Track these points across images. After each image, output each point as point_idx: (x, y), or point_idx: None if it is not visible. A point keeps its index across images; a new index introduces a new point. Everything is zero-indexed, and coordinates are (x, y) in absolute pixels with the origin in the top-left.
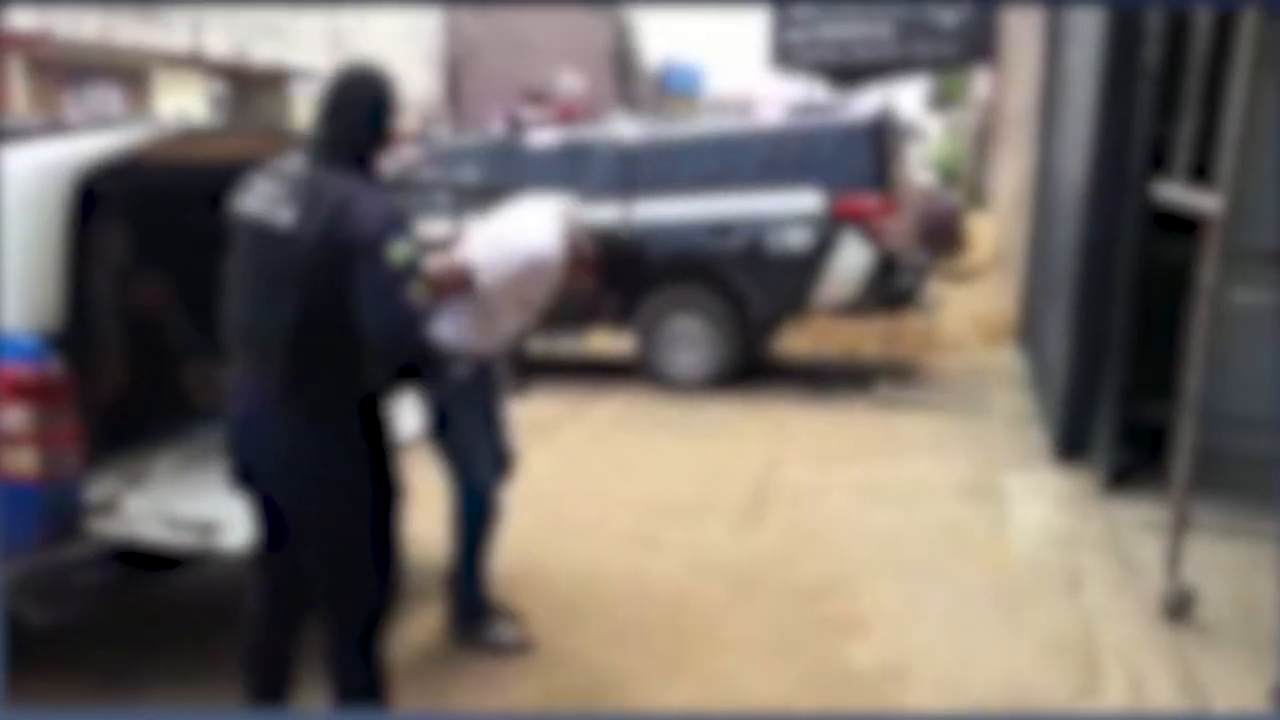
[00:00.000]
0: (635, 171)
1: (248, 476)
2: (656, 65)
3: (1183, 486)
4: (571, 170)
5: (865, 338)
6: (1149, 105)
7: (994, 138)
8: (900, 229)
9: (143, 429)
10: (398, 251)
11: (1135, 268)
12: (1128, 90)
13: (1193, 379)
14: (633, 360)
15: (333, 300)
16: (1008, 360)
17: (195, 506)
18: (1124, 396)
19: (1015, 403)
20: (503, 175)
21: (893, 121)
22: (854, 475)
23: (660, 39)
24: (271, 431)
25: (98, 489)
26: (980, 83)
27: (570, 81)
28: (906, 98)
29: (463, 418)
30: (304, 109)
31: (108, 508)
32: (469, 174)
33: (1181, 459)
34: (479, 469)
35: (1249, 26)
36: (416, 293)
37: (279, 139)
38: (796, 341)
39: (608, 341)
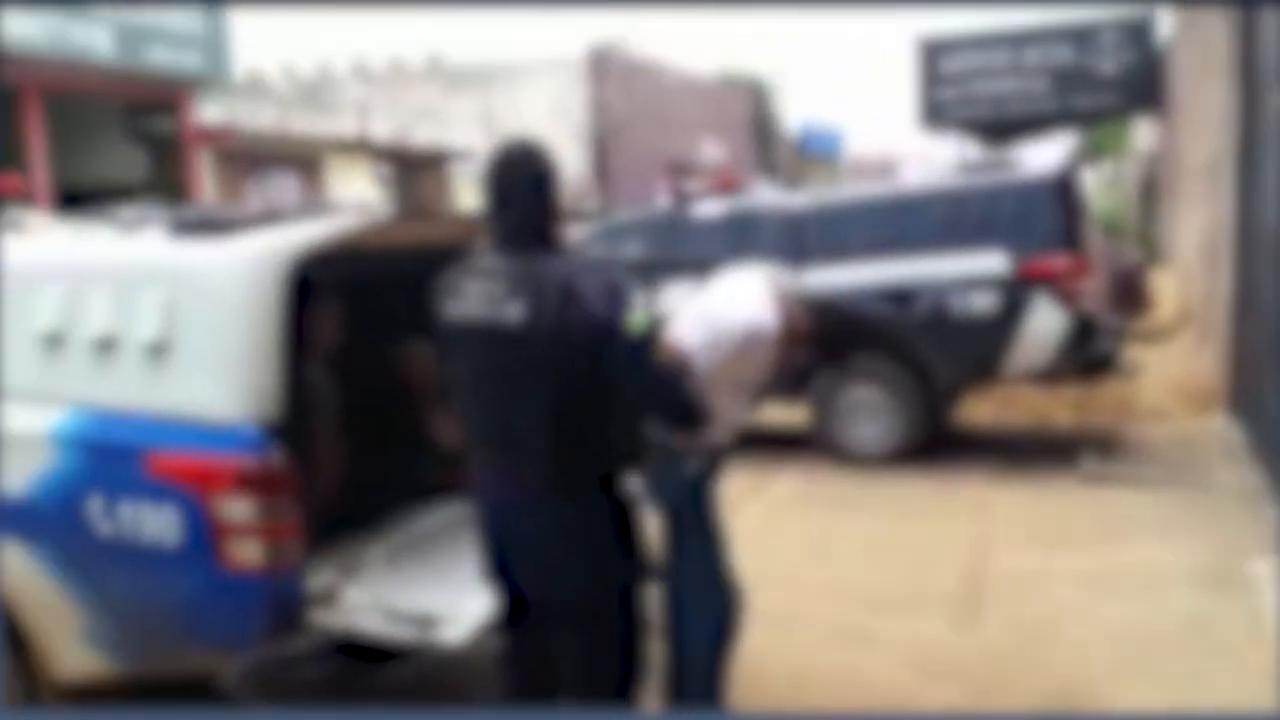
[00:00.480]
0: (804, 239)
1: (502, 568)
2: (795, 130)
3: None
4: (737, 241)
5: (1057, 406)
6: None
7: (1167, 189)
8: (1094, 289)
9: (351, 516)
10: (635, 322)
11: None
12: None
13: None
14: (808, 432)
15: (581, 387)
16: (1218, 429)
17: (413, 599)
18: None
19: (1240, 477)
20: (667, 249)
21: (1078, 175)
22: (1075, 561)
23: (799, 103)
24: (536, 524)
25: (317, 580)
26: (1143, 132)
27: (711, 151)
28: (1053, 152)
29: (702, 517)
30: (462, 187)
31: (327, 599)
32: (631, 249)
33: None
34: (721, 578)
35: None
36: (663, 354)
37: (475, 224)
38: (979, 410)
39: (781, 412)
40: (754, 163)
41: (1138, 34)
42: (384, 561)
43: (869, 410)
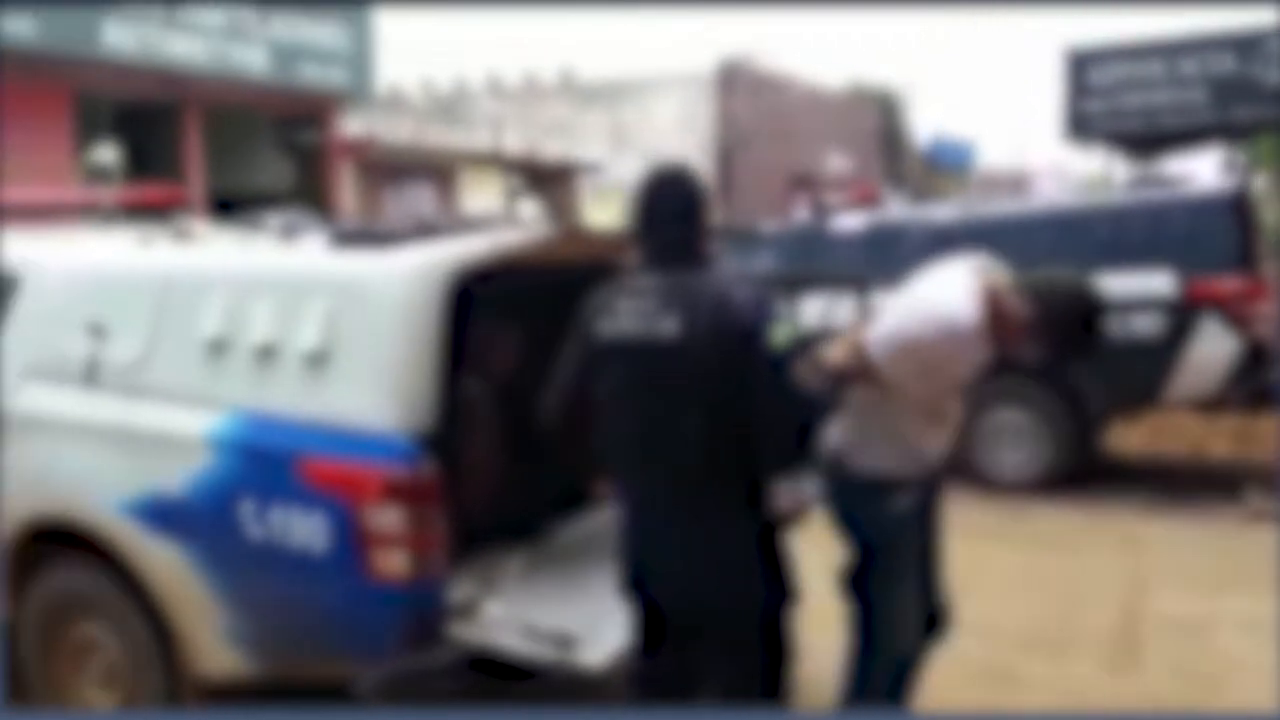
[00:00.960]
0: (950, 255)
1: (642, 584)
2: (924, 142)
3: None
4: (880, 255)
5: (1215, 435)
6: None
7: None
8: (1269, 313)
9: (499, 527)
10: (779, 334)
11: None
12: None
13: None
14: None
15: (733, 400)
16: None
17: (554, 616)
18: None
19: None
20: (805, 263)
21: (1250, 191)
22: (1241, 605)
23: (930, 114)
24: (683, 539)
25: (457, 592)
26: None
27: (837, 163)
28: (1205, 166)
29: (893, 564)
30: (589, 199)
31: (467, 613)
32: (765, 262)
33: None
34: (902, 632)
35: None
36: (803, 372)
37: (626, 242)
38: (1129, 438)
39: None
40: (881, 175)
41: None
42: (523, 575)
43: (1014, 435)
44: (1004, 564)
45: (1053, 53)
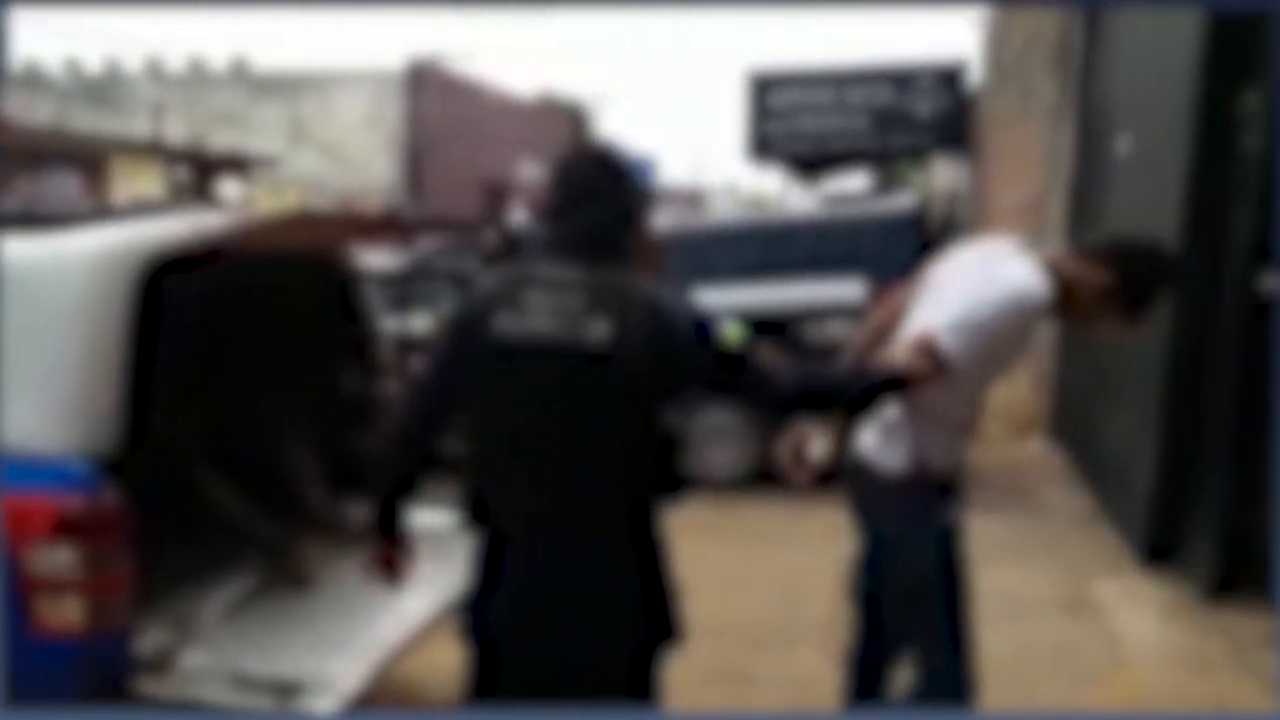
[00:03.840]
0: (667, 261)
1: (492, 626)
2: None
3: None
4: None
5: None
6: (1254, 197)
7: (975, 227)
8: None
9: (200, 562)
10: (730, 335)
11: (1238, 365)
12: (1218, 180)
13: None
14: None
15: (653, 418)
16: (1039, 453)
17: (270, 662)
18: (1225, 500)
19: (1071, 501)
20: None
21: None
22: None
23: (615, 129)
24: (573, 572)
25: (147, 642)
26: (940, 172)
27: (530, 171)
28: (852, 185)
29: (941, 578)
30: (265, 194)
31: (160, 665)
32: (469, 266)
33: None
34: (951, 653)
35: None
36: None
37: (359, 226)
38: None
39: None
40: None
41: (951, 81)
42: (231, 616)
43: (722, 434)
44: (722, 560)
45: (730, 76)
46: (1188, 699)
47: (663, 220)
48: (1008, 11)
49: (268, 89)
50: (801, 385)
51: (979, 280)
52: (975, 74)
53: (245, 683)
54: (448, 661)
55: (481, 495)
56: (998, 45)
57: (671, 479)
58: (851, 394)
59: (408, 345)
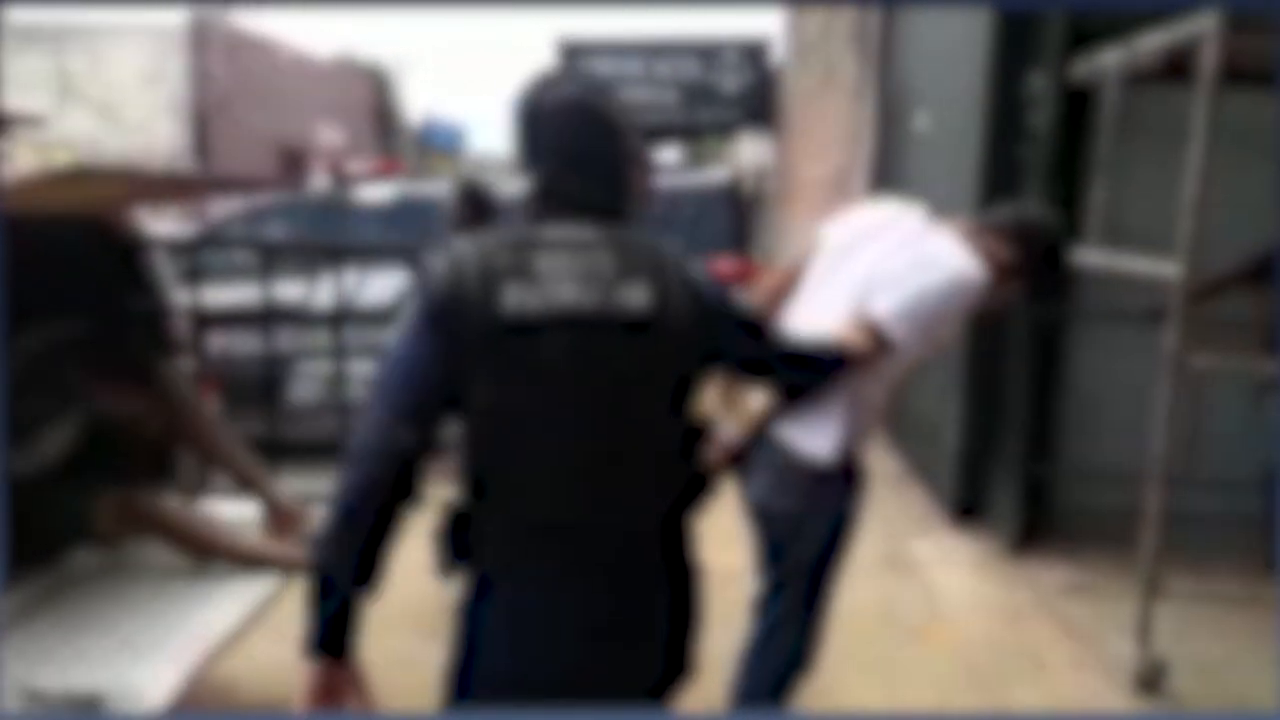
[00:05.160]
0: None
1: (502, 674)
2: (417, 121)
3: (1152, 554)
4: (409, 227)
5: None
6: (1043, 170)
7: (780, 201)
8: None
9: None
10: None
11: (1034, 332)
12: (1009, 155)
13: (1160, 445)
14: None
15: (692, 400)
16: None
17: (68, 673)
18: (1024, 458)
19: (884, 464)
20: (325, 233)
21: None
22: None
23: (420, 94)
24: (614, 614)
25: None
26: (746, 147)
27: (330, 135)
28: (663, 159)
29: (825, 559)
30: (29, 156)
31: None
32: (277, 231)
33: (1150, 526)
34: (802, 626)
35: (1202, 92)
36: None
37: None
38: None
39: None
40: (375, 151)
41: (755, 56)
42: (21, 622)
43: None
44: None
45: (544, 42)
46: (1001, 646)
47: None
48: None
49: (28, 41)
50: (798, 359)
51: (915, 261)
52: (779, 51)
53: (38, 697)
54: (265, 658)
55: (480, 519)
56: (798, 23)
57: (701, 476)
58: (820, 371)
59: (204, 320)
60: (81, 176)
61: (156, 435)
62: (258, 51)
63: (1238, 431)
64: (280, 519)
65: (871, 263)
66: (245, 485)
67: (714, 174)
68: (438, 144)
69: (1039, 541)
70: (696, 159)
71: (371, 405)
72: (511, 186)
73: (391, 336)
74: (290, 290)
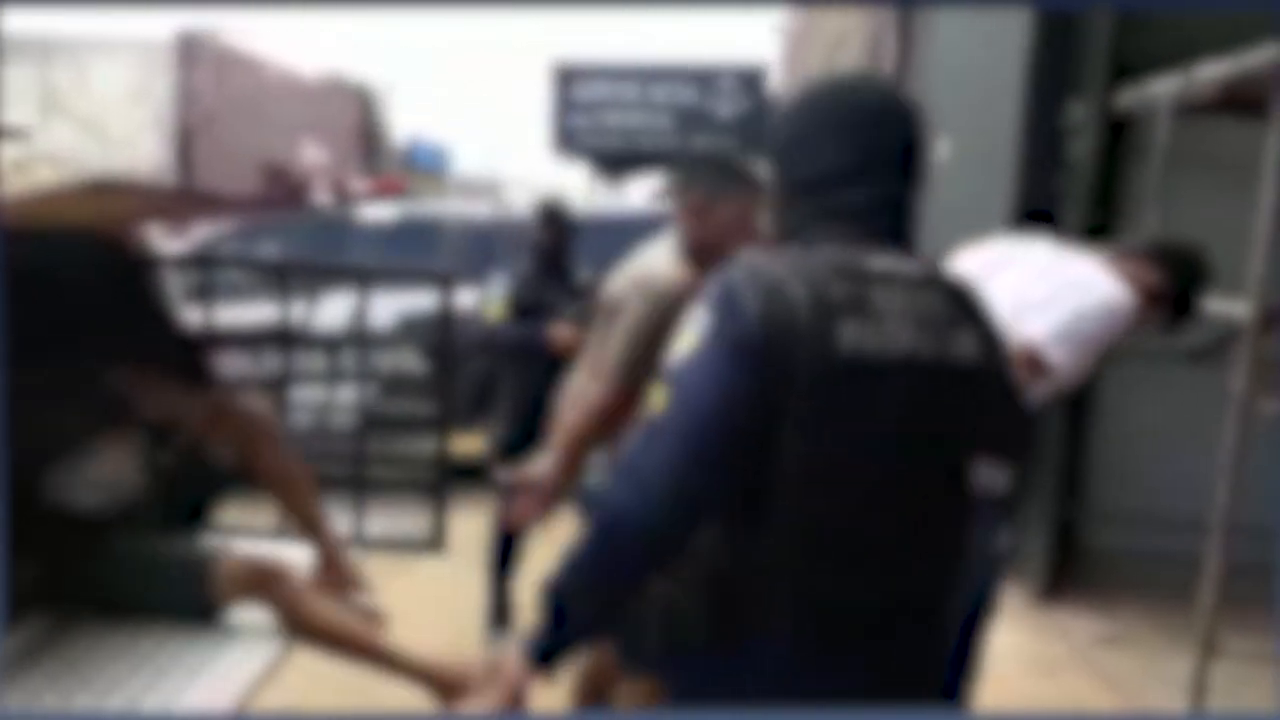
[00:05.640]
0: (491, 252)
1: None
2: (403, 142)
3: (1209, 611)
4: (411, 248)
5: None
6: (1082, 200)
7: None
8: None
9: None
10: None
11: None
12: (1046, 184)
13: (1224, 493)
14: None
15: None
16: None
17: None
18: (1055, 500)
19: None
20: (323, 253)
21: None
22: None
23: (407, 116)
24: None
25: None
26: None
27: (314, 154)
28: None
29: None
30: (10, 172)
31: None
32: (269, 250)
33: (1209, 581)
34: None
35: (1276, 125)
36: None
37: (176, 199)
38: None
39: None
40: (359, 171)
41: (752, 83)
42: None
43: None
44: None
45: (532, 69)
46: (1042, 701)
47: (485, 209)
48: (811, 15)
49: (15, 52)
50: None
51: (1066, 283)
52: (776, 78)
53: None
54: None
55: (766, 580)
56: (800, 50)
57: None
58: None
59: (212, 341)
60: (105, 190)
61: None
62: (245, 68)
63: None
64: (335, 574)
65: (1013, 290)
66: (307, 531)
67: None
68: (422, 165)
69: (1068, 588)
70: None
71: (653, 445)
72: (585, 206)
73: (678, 369)
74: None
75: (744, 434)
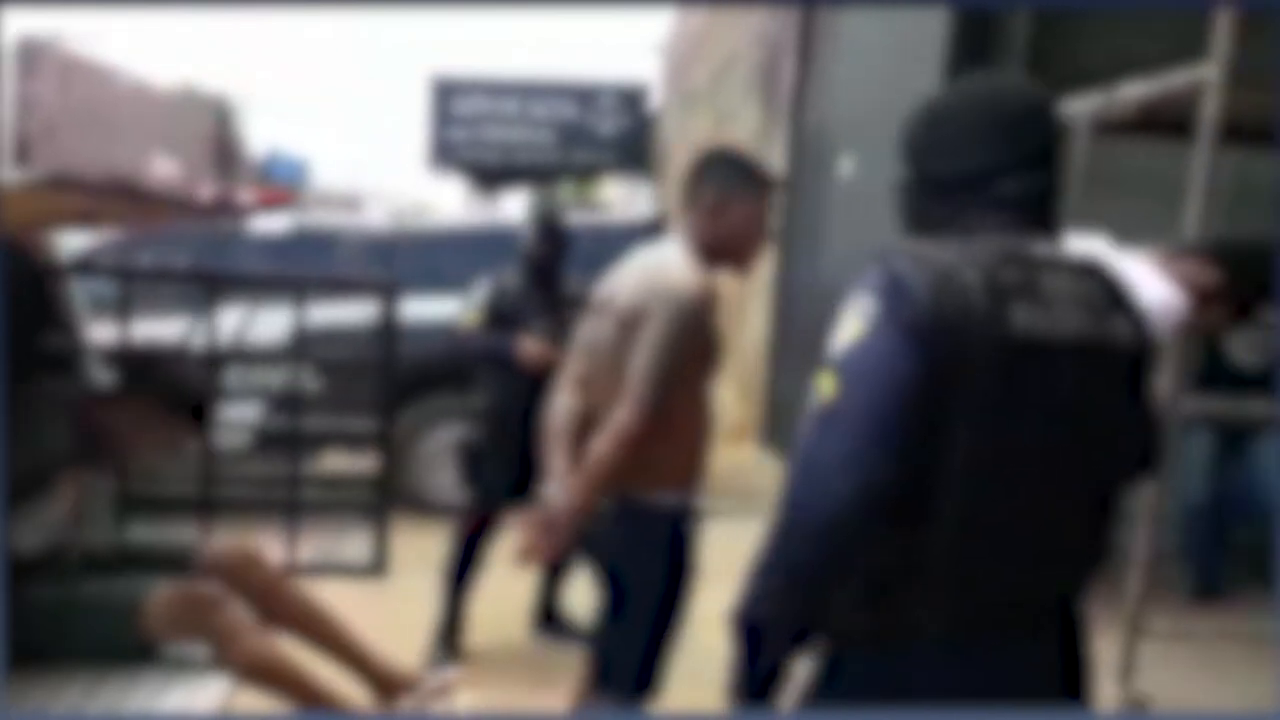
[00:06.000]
0: (391, 265)
1: None
2: (260, 154)
3: (1137, 597)
4: (304, 260)
5: None
6: None
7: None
8: None
9: None
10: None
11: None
12: None
13: (1149, 486)
14: (379, 482)
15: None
16: (755, 459)
17: None
18: None
19: None
20: (211, 265)
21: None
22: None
23: (266, 128)
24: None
25: None
26: (609, 190)
27: (165, 167)
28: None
29: None
30: None
31: None
32: (147, 261)
33: (1137, 569)
34: None
35: (1202, 145)
36: None
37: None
38: None
39: (342, 461)
40: (213, 183)
41: (633, 101)
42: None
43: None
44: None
45: (404, 82)
46: None
47: (372, 219)
48: (696, 36)
49: None
50: None
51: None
52: (656, 97)
53: None
54: None
55: (929, 564)
56: (683, 69)
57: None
58: None
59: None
60: (63, 185)
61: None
62: (92, 77)
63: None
64: (390, 687)
65: None
66: (348, 661)
67: (638, 208)
68: (280, 178)
69: None
70: (578, 201)
71: (829, 435)
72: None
73: (845, 356)
74: (164, 329)
75: (915, 415)
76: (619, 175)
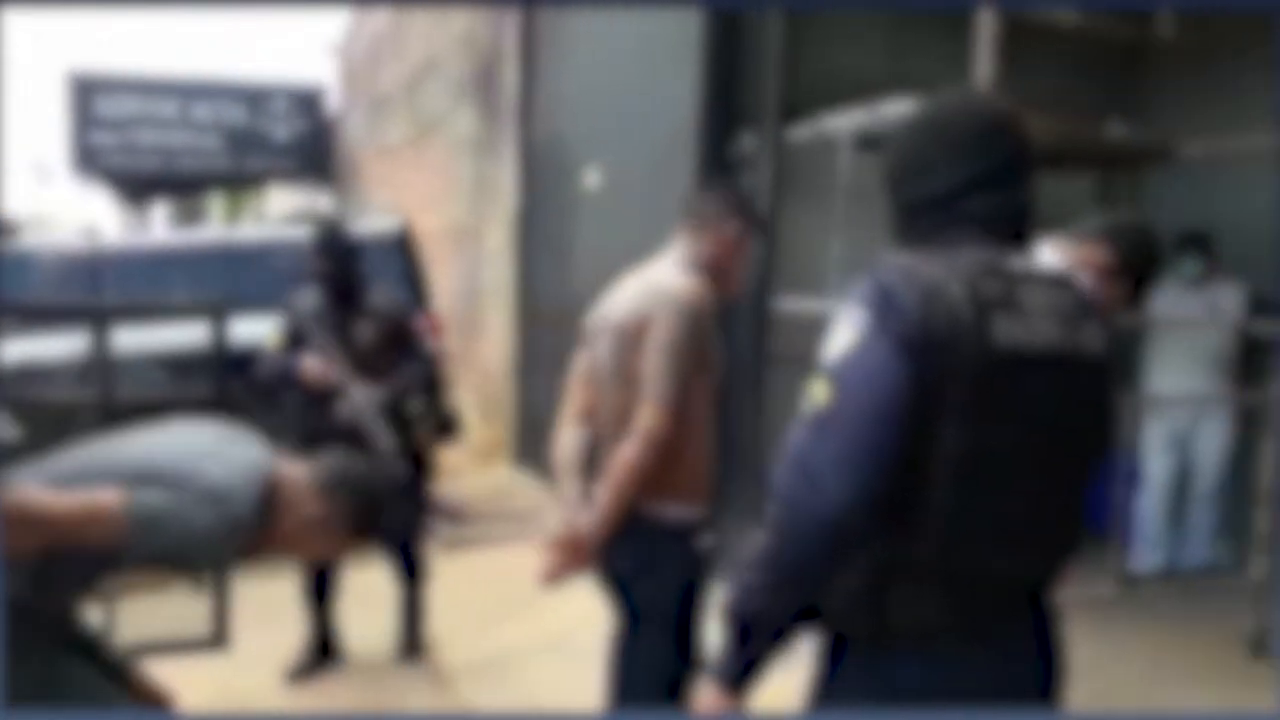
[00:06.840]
0: (99, 290)
1: None
2: None
3: None
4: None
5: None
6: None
7: None
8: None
9: None
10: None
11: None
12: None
13: None
14: None
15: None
16: (508, 479)
17: None
18: None
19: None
20: None
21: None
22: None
23: None
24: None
25: None
26: (276, 200)
27: None
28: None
29: None
30: None
31: None
32: None
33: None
34: None
35: None
36: None
37: None
38: None
39: None
40: None
41: (309, 104)
42: None
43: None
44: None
45: (39, 81)
46: None
47: (77, 238)
48: (381, 37)
49: None
50: None
51: None
52: (334, 100)
53: None
54: None
55: (918, 570)
56: (368, 72)
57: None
58: None
59: None
60: None
61: None
62: None
63: None
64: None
65: None
66: None
67: (380, 221)
68: None
69: None
70: (233, 212)
71: (823, 438)
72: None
73: (839, 363)
74: None
75: (905, 424)
76: (295, 183)
